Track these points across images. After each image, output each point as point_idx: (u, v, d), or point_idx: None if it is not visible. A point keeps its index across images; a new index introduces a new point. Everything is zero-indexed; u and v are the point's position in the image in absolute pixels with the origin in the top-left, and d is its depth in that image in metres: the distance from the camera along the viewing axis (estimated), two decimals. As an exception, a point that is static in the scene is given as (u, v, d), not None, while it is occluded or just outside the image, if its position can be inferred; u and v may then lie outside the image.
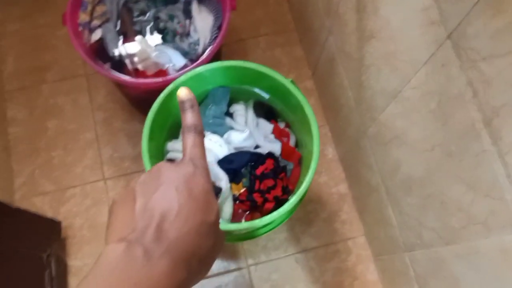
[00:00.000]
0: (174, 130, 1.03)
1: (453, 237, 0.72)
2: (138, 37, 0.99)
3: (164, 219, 0.30)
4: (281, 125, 1.06)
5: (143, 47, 0.98)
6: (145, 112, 1.29)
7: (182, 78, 0.93)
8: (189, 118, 0.37)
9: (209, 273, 1.17)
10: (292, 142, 1.04)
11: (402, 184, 0.86)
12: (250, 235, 0.95)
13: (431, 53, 0.65)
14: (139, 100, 1.20)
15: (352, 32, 0.92)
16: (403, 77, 0.75)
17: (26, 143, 1.26)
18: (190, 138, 0.37)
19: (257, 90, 1.01)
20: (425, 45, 0.65)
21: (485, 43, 0.52)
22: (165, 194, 0.32)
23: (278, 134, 1.04)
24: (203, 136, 0.38)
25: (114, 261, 0.28)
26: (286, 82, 0.95)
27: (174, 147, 0.98)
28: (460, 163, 0.64)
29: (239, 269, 1.17)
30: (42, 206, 1.21)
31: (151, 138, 0.91)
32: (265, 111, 1.07)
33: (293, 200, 0.87)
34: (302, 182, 0.91)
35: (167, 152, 1.00)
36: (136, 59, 1.01)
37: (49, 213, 1.20)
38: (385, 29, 0.77)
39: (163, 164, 0.35)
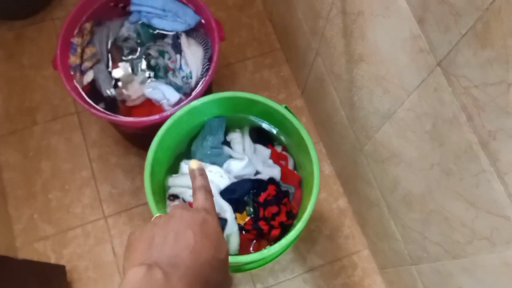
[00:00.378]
0: (173, 164, 1.04)
1: (459, 251, 0.74)
2: (121, 64, 1.00)
3: (181, 251, 0.33)
4: (278, 148, 1.08)
5: (126, 72, 0.99)
6: (140, 146, 1.30)
7: (178, 113, 0.94)
8: (199, 181, 0.42)
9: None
10: (290, 165, 1.05)
11: (403, 199, 0.88)
12: (259, 263, 0.96)
13: (422, 79, 0.67)
14: (135, 136, 1.20)
15: (341, 55, 0.94)
16: (396, 99, 0.77)
17: (22, 188, 1.25)
18: (201, 195, 0.41)
19: (265, 125, 1.03)
20: (416, 71, 0.68)
21: (476, 72, 0.54)
22: (182, 233, 0.35)
23: (276, 158, 1.06)
24: (212, 196, 0.42)
25: (137, 282, 0.31)
26: (280, 108, 0.96)
27: (175, 182, 0.98)
28: (460, 182, 0.66)
29: (248, 294, 1.18)
30: (44, 251, 1.20)
31: (152, 174, 0.92)
32: (261, 136, 1.08)
33: (299, 226, 0.88)
34: (306, 206, 0.92)
35: (168, 187, 1.00)
36: (129, 95, 1.02)
37: (52, 257, 1.20)
38: (374, 54, 0.79)
39: (180, 210, 0.38)
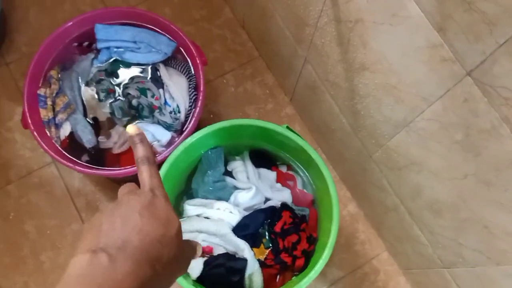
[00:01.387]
0: (174, 206, 0.96)
1: (504, 258, 0.70)
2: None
3: (128, 233, 0.33)
4: (283, 168, 1.01)
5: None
6: (129, 186, 1.21)
7: (174, 154, 0.86)
8: (140, 151, 0.39)
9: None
10: (299, 185, 0.99)
11: (429, 207, 0.83)
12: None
13: (447, 88, 0.61)
14: (124, 180, 1.11)
15: (337, 63, 0.88)
16: (413, 108, 0.71)
17: (8, 255, 1.14)
18: (145, 170, 0.39)
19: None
20: (438, 80, 0.62)
21: (522, 83, 0.49)
22: (129, 217, 0.34)
23: (283, 180, 0.99)
24: (156, 165, 0.40)
25: (80, 268, 0.31)
26: (281, 130, 0.90)
27: (183, 228, 0.90)
28: (505, 193, 0.61)
29: (273, 322, 1.11)
30: (46, 318, 1.10)
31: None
32: (262, 158, 1.01)
33: (326, 254, 0.82)
34: (328, 230, 0.86)
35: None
36: (114, 142, 0.93)
37: (57, 323, 1.10)
38: (380, 63, 0.73)
39: (127, 195, 0.37)
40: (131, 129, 0.40)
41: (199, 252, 0.43)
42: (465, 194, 0.70)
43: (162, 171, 0.85)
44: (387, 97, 0.77)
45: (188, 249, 0.40)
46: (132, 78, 0.93)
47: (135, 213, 0.35)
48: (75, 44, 0.96)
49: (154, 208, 0.36)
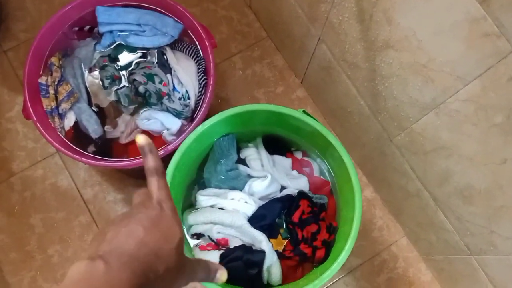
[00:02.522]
0: (186, 196, 0.91)
1: (544, 246, 0.65)
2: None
3: (127, 243, 0.34)
4: (298, 155, 0.96)
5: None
6: (138, 175, 1.16)
7: (185, 143, 0.81)
8: (150, 161, 0.40)
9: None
10: (316, 171, 0.94)
11: (458, 193, 0.78)
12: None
13: (488, 66, 0.56)
14: (132, 171, 1.06)
15: (356, 42, 0.82)
16: (445, 89, 0.66)
17: (15, 250, 1.10)
18: (154, 182, 0.40)
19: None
20: (477, 58, 0.57)
21: None
22: (133, 230, 0.35)
23: (299, 167, 0.94)
24: (165, 177, 0.41)
25: (77, 274, 0.32)
26: (298, 114, 0.84)
27: (197, 219, 0.86)
28: (551, 179, 0.56)
29: (291, 312, 1.08)
30: (57, 313, 1.07)
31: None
32: (276, 144, 0.96)
33: (349, 245, 0.78)
34: (349, 219, 0.82)
35: (189, 226, 0.88)
36: (121, 132, 0.88)
37: (67, 319, 1.06)
38: (408, 40, 0.67)
39: (136, 209, 0.38)
40: (141, 139, 0.41)
41: (221, 277, 0.43)
42: (503, 180, 0.65)
43: (173, 161, 0.80)
44: (415, 77, 0.71)
45: (191, 265, 0.40)
46: (137, 64, 0.88)
47: (139, 226, 0.36)
48: (76, 28, 0.90)
49: (159, 222, 0.37)
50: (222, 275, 0.43)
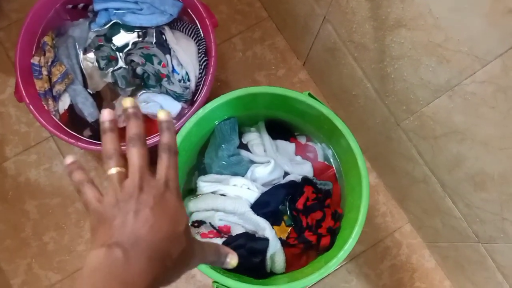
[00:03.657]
0: (186, 182, 0.88)
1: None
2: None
3: (140, 229, 0.34)
4: (302, 139, 0.93)
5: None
6: (135, 160, 1.13)
7: (186, 128, 0.78)
8: (165, 137, 0.39)
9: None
10: (320, 157, 0.92)
11: (469, 179, 0.76)
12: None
13: (510, 45, 0.53)
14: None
15: (364, 21, 0.78)
16: (461, 69, 0.63)
17: (10, 237, 1.07)
18: (165, 159, 0.38)
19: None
20: (499, 36, 0.53)
21: None
22: (141, 214, 0.35)
23: (303, 152, 0.91)
24: (177, 157, 0.40)
25: (97, 262, 0.32)
26: (303, 97, 0.81)
27: (198, 206, 0.83)
28: None
29: (293, 300, 1.06)
30: (54, 301, 1.05)
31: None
32: (279, 128, 0.93)
33: (356, 233, 0.75)
34: (354, 206, 0.79)
35: (190, 213, 0.85)
36: (118, 115, 0.84)
37: (64, 307, 1.04)
38: (423, 18, 0.64)
39: (138, 189, 0.36)
40: (162, 114, 0.40)
41: (231, 261, 0.42)
42: (520, 166, 0.62)
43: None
44: (428, 58, 0.68)
45: (202, 247, 0.40)
46: (135, 44, 0.84)
47: (146, 209, 0.35)
48: (69, 6, 0.85)
49: (165, 204, 0.36)
50: (232, 259, 0.42)
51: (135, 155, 0.37)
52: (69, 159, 0.40)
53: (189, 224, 0.87)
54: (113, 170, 0.38)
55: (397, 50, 0.74)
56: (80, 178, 0.39)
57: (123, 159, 0.39)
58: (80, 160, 1.11)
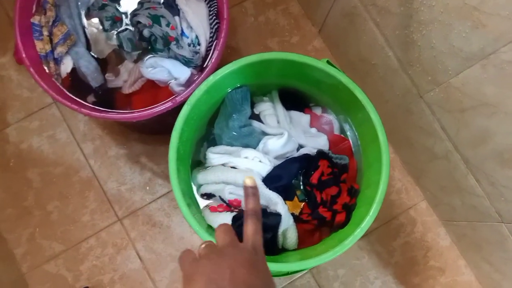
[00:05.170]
0: (195, 153, 0.84)
1: None
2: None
3: (238, 285, 0.35)
4: (317, 111, 0.88)
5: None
6: (141, 130, 1.09)
7: (196, 95, 0.73)
8: (251, 203, 0.43)
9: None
10: (336, 129, 0.87)
11: (496, 155, 0.71)
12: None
13: None
14: (136, 125, 0.98)
15: (391, -18, 0.72)
16: (498, 36, 0.57)
17: (12, 205, 1.04)
18: (251, 225, 0.41)
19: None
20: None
21: None
22: (236, 271, 0.36)
23: (318, 124, 0.86)
24: (261, 222, 0.43)
25: None
26: (321, 65, 0.75)
27: (207, 178, 0.79)
28: None
29: (301, 276, 1.04)
30: (57, 271, 1.03)
31: (178, 172, 0.73)
32: (293, 99, 0.88)
33: (374, 210, 0.72)
34: (372, 182, 0.75)
35: (199, 185, 0.81)
36: (124, 80, 0.79)
37: (68, 277, 1.02)
38: (460, -23, 0.58)
39: (231, 248, 0.39)
40: (249, 181, 0.44)
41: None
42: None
43: (182, 114, 0.72)
44: (461, 23, 0.62)
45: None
46: (141, 3, 0.78)
47: (242, 268, 0.37)
48: (72, -40, 0.79)
49: (257, 266, 0.38)
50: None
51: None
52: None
53: (199, 196, 0.84)
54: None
55: (427, 14, 0.68)
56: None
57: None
58: (84, 128, 1.07)
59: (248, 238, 0.41)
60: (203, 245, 0.41)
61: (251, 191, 0.44)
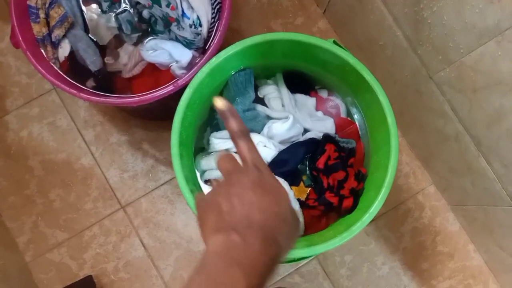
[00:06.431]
0: (198, 138, 0.82)
1: None
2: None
3: (248, 211, 0.35)
4: (323, 94, 0.86)
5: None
6: (142, 115, 1.07)
7: (198, 78, 0.70)
8: (234, 125, 0.40)
9: (280, 274, 1.02)
10: (343, 112, 0.84)
11: (510, 135, 0.68)
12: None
13: None
14: (137, 110, 0.96)
15: (400, -43, 0.69)
16: (515, 9, 0.54)
17: (14, 193, 1.03)
18: (243, 144, 0.40)
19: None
20: None
21: None
22: (245, 196, 0.36)
23: (324, 107, 0.84)
24: (251, 138, 0.41)
25: (218, 248, 0.34)
26: (327, 45, 0.73)
27: (211, 164, 0.77)
28: None
29: (307, 263, 1.02)
30: (61, 260, 1.01)
31: (182, 167, 0.70)
32: (298, 81, 0.85)
33: (382, 195, 0.69)
34: (381, 165, 0.73)
35: (203, 171, 0.79)
36: (123, 64, 0.77)
37: (72, 266, 1.01)
38: None
39: (236, 174, 0.38)
40: (219, 103, 0.40)
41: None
42: None
43: (184, 98, 0.70)
44: (475, -3, 0.59)
45: (296, 218, 0.39)
46: (139, -18, 0.75)
47: (248, 191, 0.36)
48: None
49: (264, 184, 0.37)
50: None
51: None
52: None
53: (202, 182, 0.82)
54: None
55: (438, -10, 0.65)
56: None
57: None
58: (85, 115, 1.05)
59: (246, 159, 0.39)
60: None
61: (229, 113, 0.40)
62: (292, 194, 0.76)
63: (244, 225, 0.34)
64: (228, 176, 0.39)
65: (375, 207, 0.69)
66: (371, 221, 0.92)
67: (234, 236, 0.34)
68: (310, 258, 1.02)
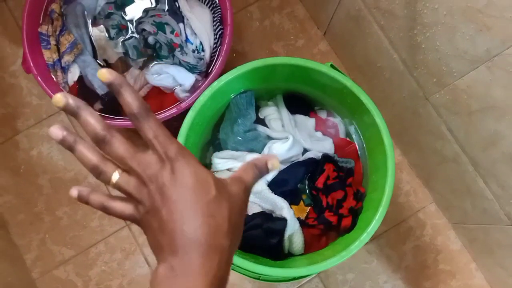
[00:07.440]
0: (200, 158, 0.84)
1: None
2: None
3: (181, 224, 0.31)
4: (322, 114, 0.88)
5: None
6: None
7: (200, 101, 0.73)
8: (130, 100, 0.31)
9: (279, 294, 1.04)
10: (341, 133, 0.86)
11: (506, 159, 0.70)
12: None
13: None
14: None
15: (394, -15, 0.72)
16: (503, 38, 0.56)
17: (22, 211, 1.06)
18: (147, 128, 0.32)
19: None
20: (554, -3, 0.47)
21: None
22: (170, 207, 0.31)
23: (324, 128, 0.86)
24: (154, 114, 0.33)
25: (158, 281, 0.31)
26: (325, 69, 0.75)
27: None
28: None
29: (309, 281, 1.03)
30: (67, 277, 1.04)
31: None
32: (298, 102, 0.88)
33: (380, 214, 0.71)
34: (378, 185, 0.75)
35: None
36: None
37: (78, 282, 1.03)
38: (463, -21, 0.57)
39: (145, 183, 0.33)
40: (106, 75, 0.31)
41: (273, 165, 0.36)
42: None
43: (187, 120, 0.72)
44: (466, 25, 0.61)
45: (232, 199, 0.34)
46: (146, 11, 0.79)
47: (171, 199, 0.31)
48: (77, -30, 0.80)
49: (183, 177, 0.32)
50: (274, 164, 0.36)
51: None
52: (73, 191, 0.37)
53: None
54: (116, 175, 0.34)
55: (430, 17, 0.67)
56: (99, 200, 0.37)
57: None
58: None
59: (156, 147, 0.33)
60: None
61: (120, 85, 0.31)
62: (292, 213, 0.78)
63: (180, 245, 0.31)
64: (139, 189, 0.33)
65: (373, 226, 0.71)
66: (372, 239, 0.93)
67: (171, 263, 0.31)
68: (311, 277, 1.03)
